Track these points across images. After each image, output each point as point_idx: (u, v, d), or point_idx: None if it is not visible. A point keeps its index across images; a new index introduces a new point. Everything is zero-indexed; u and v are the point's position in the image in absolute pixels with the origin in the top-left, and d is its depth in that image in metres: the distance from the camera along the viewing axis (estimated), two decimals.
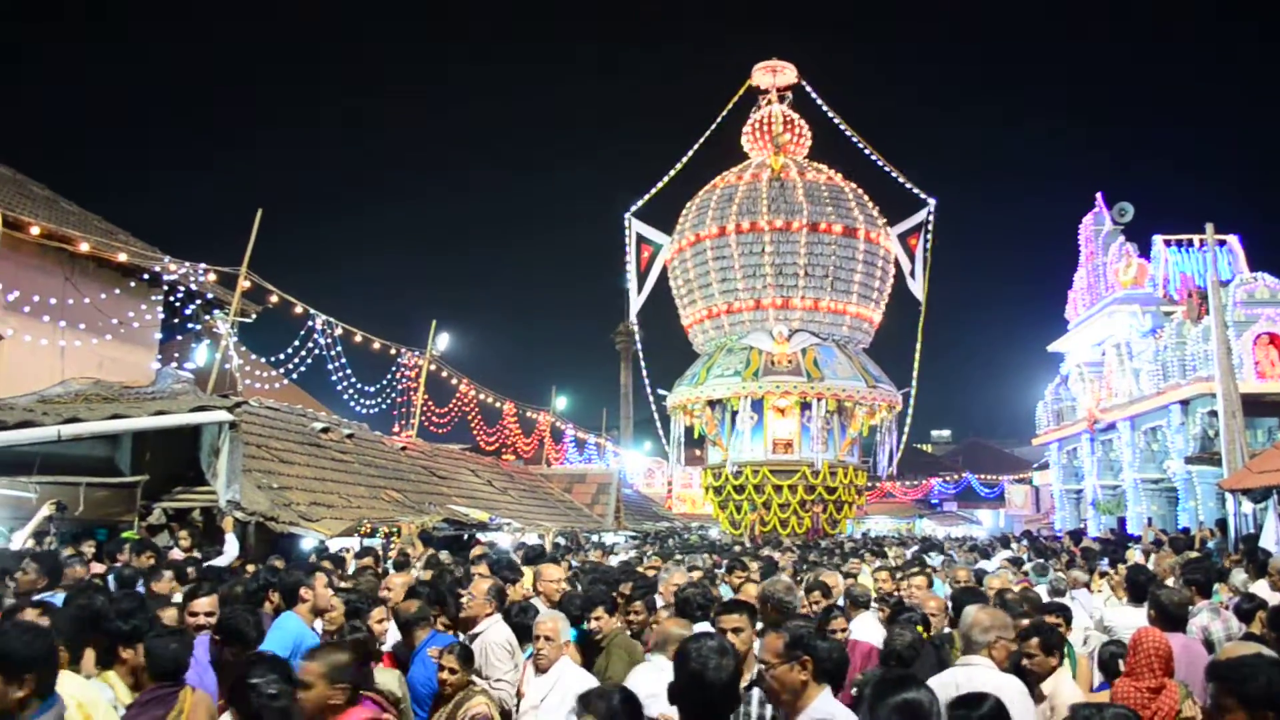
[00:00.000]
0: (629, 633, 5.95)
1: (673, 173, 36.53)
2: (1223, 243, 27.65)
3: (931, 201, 34.72)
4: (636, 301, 36.53)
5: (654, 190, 36.69)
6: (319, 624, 5.90)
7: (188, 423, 11.67)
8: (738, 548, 18.35)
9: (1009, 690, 3.90)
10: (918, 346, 34.96)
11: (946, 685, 3.99)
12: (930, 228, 34.68)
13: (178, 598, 6.18)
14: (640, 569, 9.97)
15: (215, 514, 11.50)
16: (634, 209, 36.62)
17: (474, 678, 4.83)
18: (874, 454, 34.25)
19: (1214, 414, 19.95)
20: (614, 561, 13.12)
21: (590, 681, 4.86)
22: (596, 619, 5.73)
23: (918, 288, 34.59)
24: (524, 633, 5.62)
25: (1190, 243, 28.44)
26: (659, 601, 6.80)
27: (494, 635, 5.52)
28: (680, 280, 35.18)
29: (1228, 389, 17.69)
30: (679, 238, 35.04)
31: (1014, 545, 17.54)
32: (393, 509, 14.47)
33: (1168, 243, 28.62)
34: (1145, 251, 28.33)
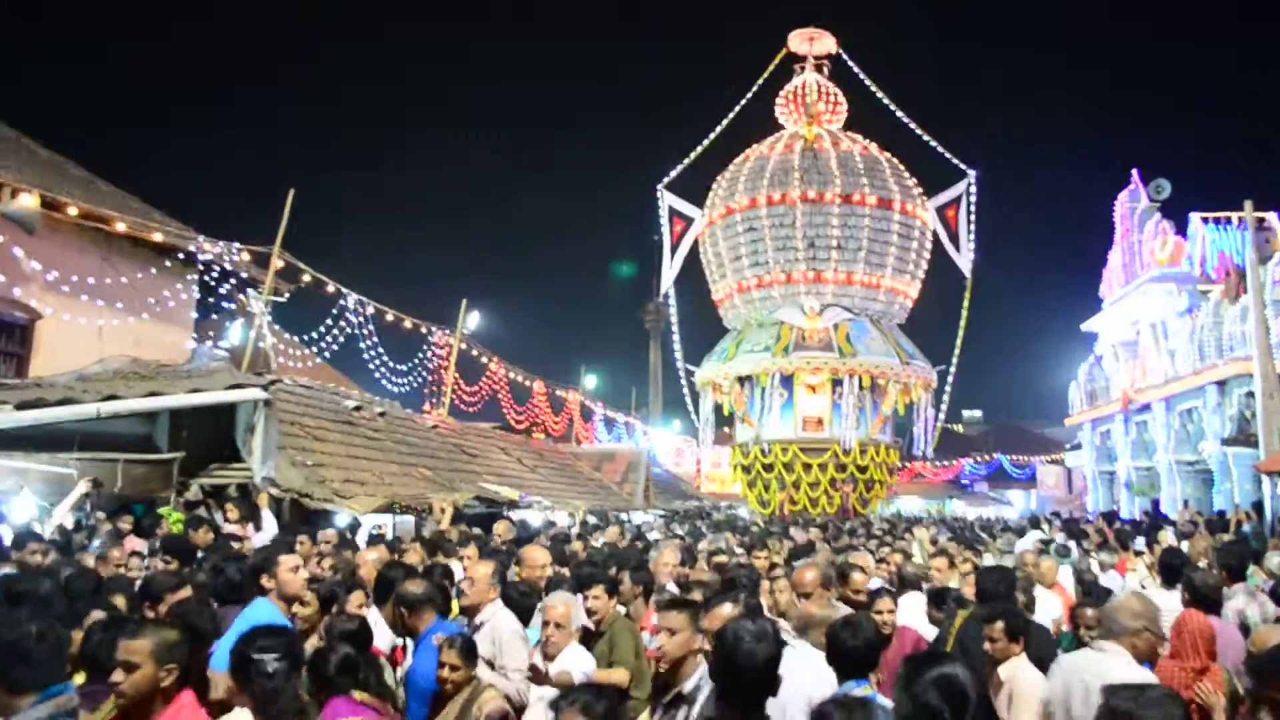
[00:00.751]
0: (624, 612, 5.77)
1: (706, 143, 35.90)
2: (1261, 220, 27.21)
3: (971, 173, 34.07)
4: (668, 275, 36.13)
5: (686, 161, 36.14)
6: (298, 610, 5.40)
7: (223, 400, 11.81)
8: (754, 528, 17.95)
9: None
10: (961, 322, 34.33)
11: (1074, 670, 3.92)
12: (973, 199, 33.97)
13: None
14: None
15: (251, 490, 11.66)
16: (666, 181, 36.20)
17: (477, 672, 4.45)
18: (908, 433, 33.88)
19: (1251, 395, 19.70)
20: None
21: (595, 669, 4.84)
22: (595, 598, 5.41)
23: (964, 261, 33.91)
24: (525, 616, 5.33)
25: (1228, 220, 27.95)
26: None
27: (503, 623, 5.07)
28: (711, 254, 34.64)
29: (1266, 369, 17.45)
30: (710, 210, 34.48)
31: (1044, 526, 17.42)
32: (424, 486, 14.59)
33: (1205, 220, 28.12)
34: (1182, 229, 27.85)
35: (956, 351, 33.92)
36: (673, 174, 36.16)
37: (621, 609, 5.88)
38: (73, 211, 13.54)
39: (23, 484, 9.56)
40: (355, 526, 11.95)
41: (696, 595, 5.23)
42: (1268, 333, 18.06)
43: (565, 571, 6.73)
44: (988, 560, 9.36)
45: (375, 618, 5.32)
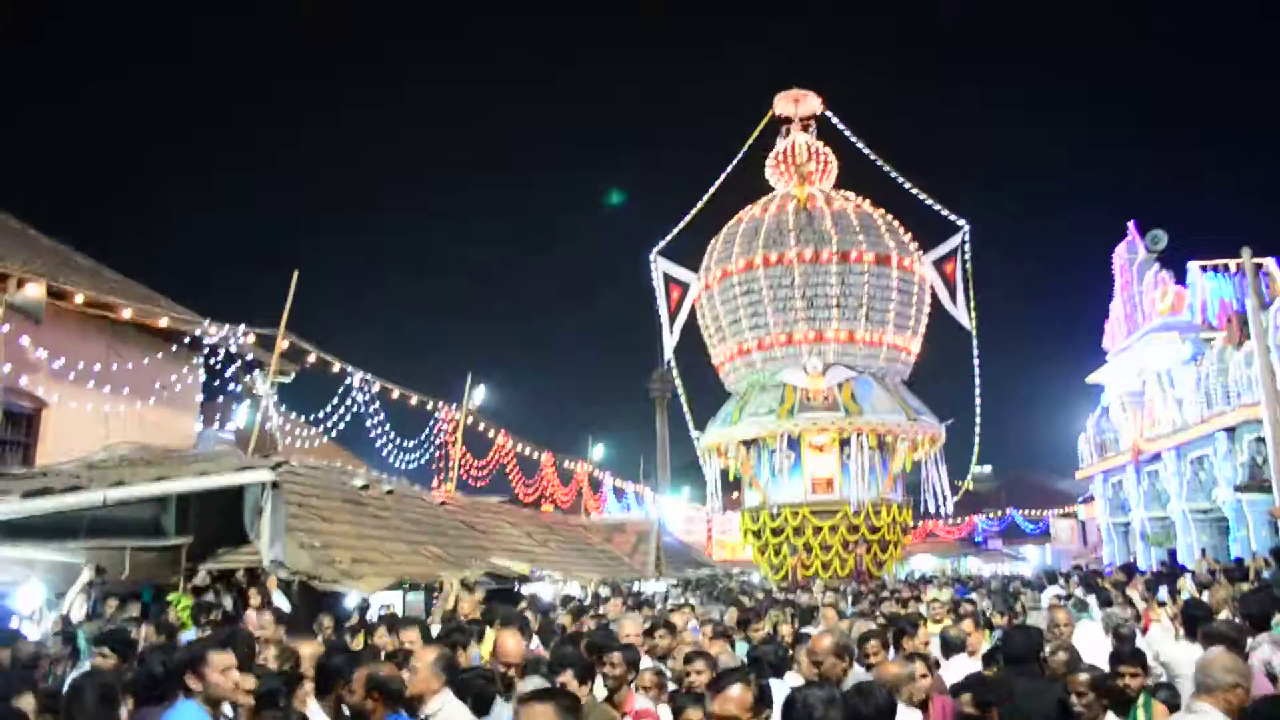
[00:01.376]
0: (606, 691, 5.34)
1: (697, 207, 36.14)
2: (1259, 266, 27.29)
3: (965, 226, 34.00)
4: (669, 342, 35.94)
5: (679, 227, 36.31)
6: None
7: (231, 483, 11.76)
8: (759, 595, 17.68)
9: None
10: (976, 375, 34.42)
11: None
12: (967, 252, 33.95)
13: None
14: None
15: (260, 574, 11.56)
16: (659, 248, 36.16)
17: None
18: (920, 490, 33.12)
19: (1261, 440, 19.59)
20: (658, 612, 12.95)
21: None
22: (564, 684, 4.80)
23: (963, 315, 33.73)
24: (482, 705, 4.90)
25: (1226, 268, 28.08)
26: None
27: (453, 716, 4.58)
28: (709, 317, 34.47)
29: (1275, 414, 17.38)
30: (705, 274, 34.41)
31: (1061, 581, 17.20)
32: (434, 564, 14.46)
33: (1204, 268, 28.25)
34: (1181, 278, 28.00)
35: (978, 403, 34.01)
36: (664, 241, 36.30)
37: (604, 690, 5.41)
38: (78, 300, 13.63)
39: (30, 573, 9.50)
40: (365, 607, 11.85)
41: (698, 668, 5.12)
42: (1274, 377, 18.02)
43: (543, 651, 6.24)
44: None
45: (315, 710, 4.88)
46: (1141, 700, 5.16)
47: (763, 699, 3.09)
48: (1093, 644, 8.07)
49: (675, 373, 38.49)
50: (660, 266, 35.94)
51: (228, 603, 11.15)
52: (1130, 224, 29.81)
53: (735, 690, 3.28)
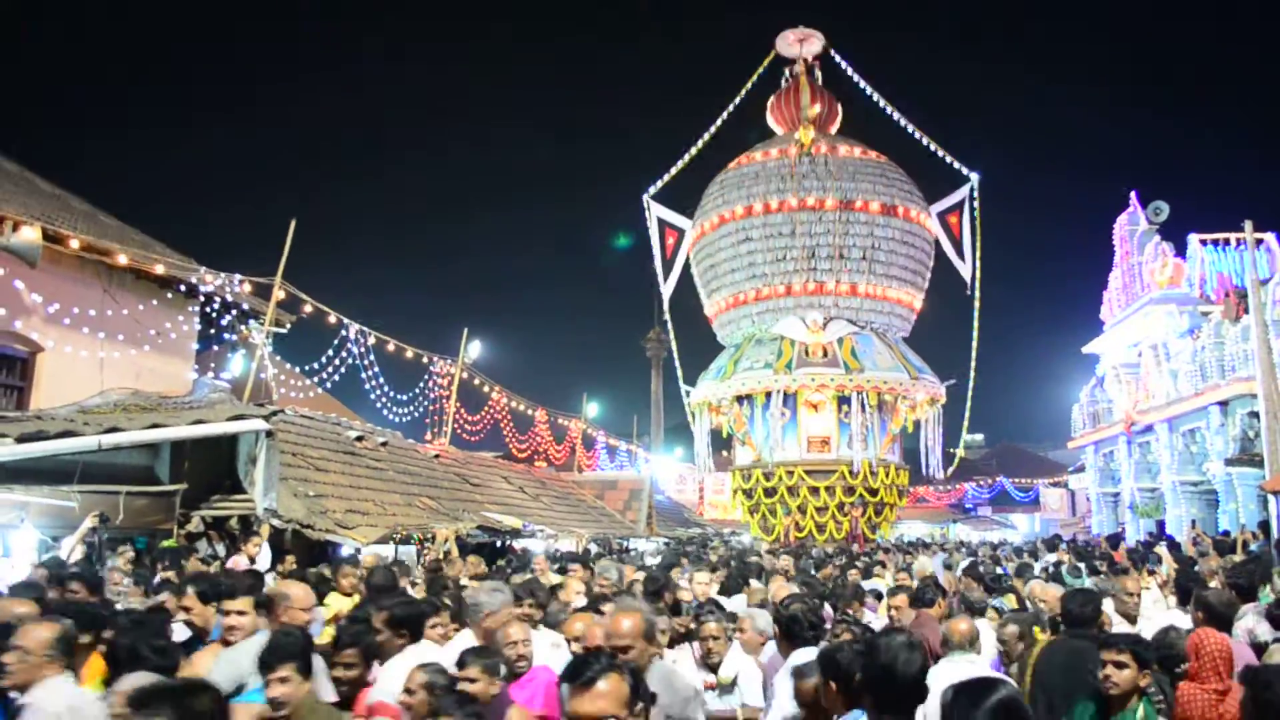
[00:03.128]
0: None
1: (694, 150, 34.03)
2: (1260, 241, 27.26)
3: (974, 176, 32.33)
4: (667, 288, 34.35)
5: (674, 170, 34.27)
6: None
7: (225, 431, 11.79)
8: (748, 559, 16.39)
9: None
10: (974, 334, 32.63)
11: None
12: (975, 204, 32.18)
13: None
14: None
15: (252, 521, 11.61)
16: (652, 191, 34.30)
17: None
18: (920, 452, 31.77)
19: (1255, 415, 19.64)
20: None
21: None
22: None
23: (966, 270, 32.21)
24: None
25: (1227, 241, 28.02)
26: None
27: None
28: (704, 266, 32.78)
29: (1269, 389, 17.41)
30: (701, 220, 32.62)
31: (1060, 550, 17.29)
32: (427, 516, 14.53)
33: (1204, 242, 28.20)
34: (1181, 251, 27.96)
35: (973, 365, 32.14)
36: (659, 183, 34.36)
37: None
38: (74, 244, 13.55)
39: (24, 517, 9.52)
40: (356, 558, 11.90)
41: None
42: (1270, 352, 18.04)
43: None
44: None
45: None
46: None
47: (637, 692, 2.69)
48: None
49: (669, 326, 36.78)
50: (654, 211, 34.35)
51: (220, 549, 11.20)
52: (1132, 194, 29.70)
53: (604, 684, 2.63)
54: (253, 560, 9.96)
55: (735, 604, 7.20)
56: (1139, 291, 28.52)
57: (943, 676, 4.30)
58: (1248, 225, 19.26)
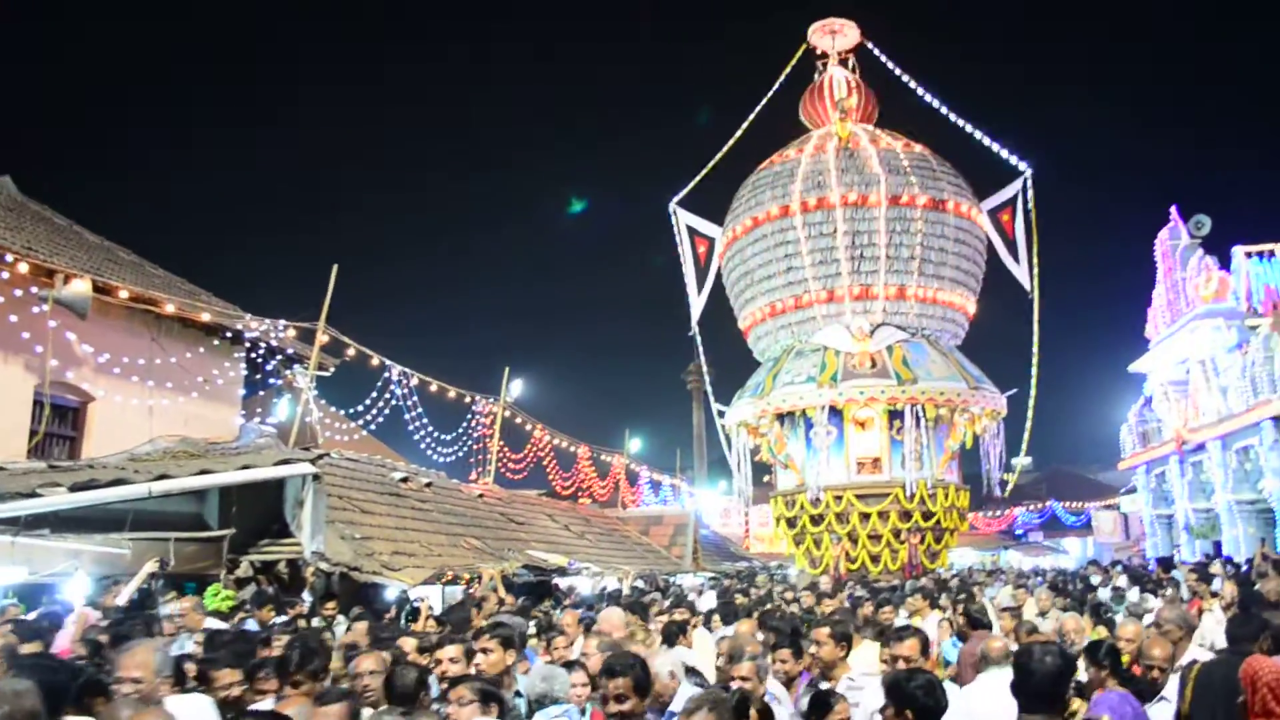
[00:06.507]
0: None
1: (721, 153, 31.74)
2: None
3: (1027, 169, 29.71)
4: (698, 303, 31.77)
5: (701, 174, 31.92)
6: None
7: (272, 476, 11.91)
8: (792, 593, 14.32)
9: None
10: (1035, 346, 29.67)
11: None
12: (1030, 200, 29.61)
13: None
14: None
15: (300, 565, 11.69)
16: (678, 197, 31.86)
17: None
18: (979, 470, 28.88)
19: None
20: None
21: None
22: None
23: (1023, 273, 29.71)
24: None
25: (1272, 253, 27.58)
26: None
27: None
28: (736, 274, 30.02)
29: None
30: (733, 224, 30.02)
31: (1113, 573, 16.95)
32: (473, 556, 14.55)
33: (1248, 254, 27.78)
34: (1225, 264, 27.53)
35: (1034, 376, 29.25)
36: (686, 189, 32.00)
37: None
38: (123, 295, 13.85)
39: (78, 565, 9.64)
40: (404, 599, 11.93)
41: None
42: None
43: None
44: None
45: None
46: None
47: None
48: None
49: (699, 344, 33.66)
50: (681, 219, 31.89)
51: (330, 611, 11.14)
52: (1173, 208, 29.30)
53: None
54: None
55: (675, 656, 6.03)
56: (1184, 307, 28.08)
57: (979, 690, 5.02)
58: None
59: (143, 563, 10.16)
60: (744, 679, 4.94)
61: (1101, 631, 7.36)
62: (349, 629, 7.73)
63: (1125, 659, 5.54)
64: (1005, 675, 4.72)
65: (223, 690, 5.01)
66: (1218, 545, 26.50)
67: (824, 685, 5.41)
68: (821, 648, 5.72)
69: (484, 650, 5.03)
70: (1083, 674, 5.11)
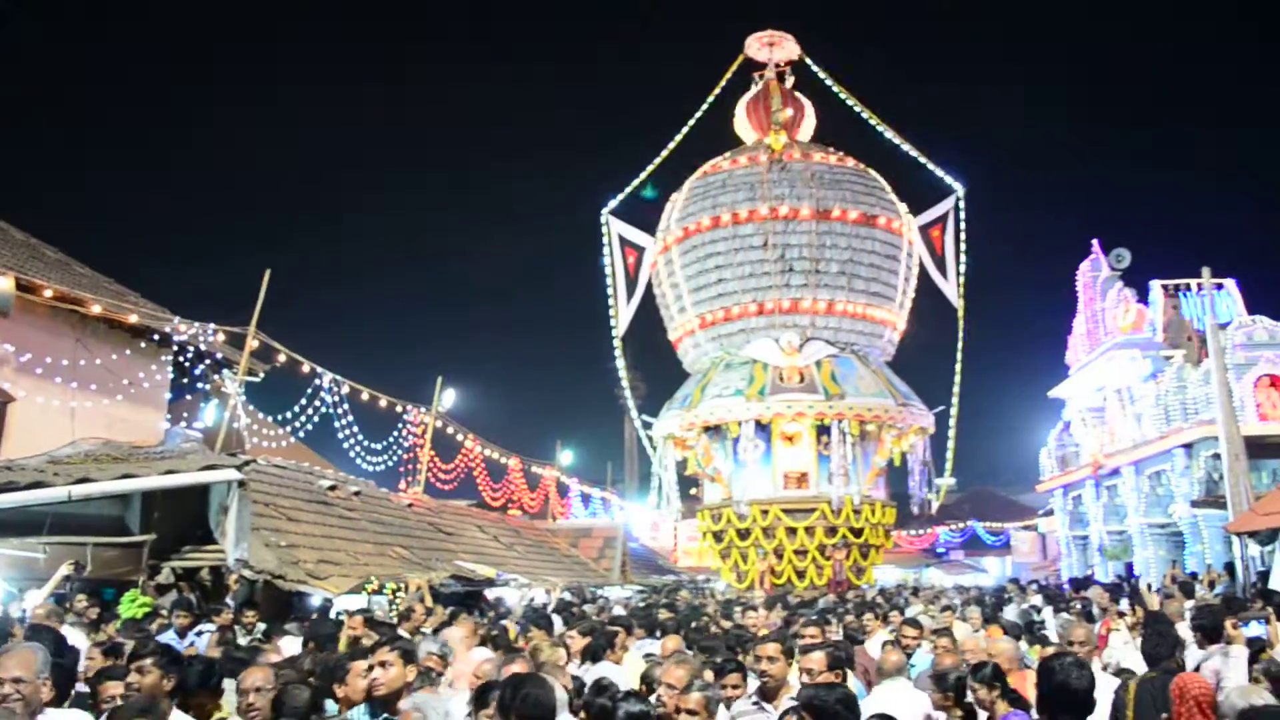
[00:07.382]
0: None
1: (655, 163, 31.60)
2: (1220, 286, 27.87)
3: (959, 188, 30.14)
4: (624, 315, 31.39)
5: (634, 184, 31.77)
6: None
7: (197, 481, 11.74)
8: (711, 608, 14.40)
9: None
10: (958, 358, 30.17)
11: None
12: (962, 218, 29.95)
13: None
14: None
15: (223, 572, 11.55)
16: (610, 206, 31.61)
17: None
18: (905, 488, 29.01)
19: (1217, 457, 19.99)
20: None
21: None
22: None
23: (951, 290, 30.05)
24: None
25: (1188, 287, 28.67)
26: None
27: None
28: (666, 285, 29.99)
29: (1230, 432, 17.77)
30: (664, 234, 30.03)
31: (1029, 592, 17.47)
32: (400, 565, 14.47)
33: (1165, 288, 28.84)
34: (1143, 296, 28.55)
35: (955, 394, 29.58)
36: (618, 198, 31.68)
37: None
38: (47, 294, 13.56)
39: None
40: (328, 608, 11.83)
41: None
42: (1230, 396, 18.43)
43: None
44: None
45: None
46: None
47: None
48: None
49: (617, 354, 32.86)
50: (614, 228, 31.58)
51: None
52: (1094, 241, 30.30)
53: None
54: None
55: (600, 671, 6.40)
56: (1103, 337, 29.03)
57: (878, 699, 5.54)
58: (1205, 271, 19.76)
59: (58, 567, 9.97)
60: (691, 713, 4.33)
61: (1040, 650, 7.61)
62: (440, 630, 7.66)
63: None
64: (899, 686, 5.73)
65: (107, 703, 4.90)
66: (1129, 567, 27.38)
67: (767, 707, 5.08)
68: (773, 664, 5.27)
69: (382, 664, 4.64)
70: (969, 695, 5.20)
